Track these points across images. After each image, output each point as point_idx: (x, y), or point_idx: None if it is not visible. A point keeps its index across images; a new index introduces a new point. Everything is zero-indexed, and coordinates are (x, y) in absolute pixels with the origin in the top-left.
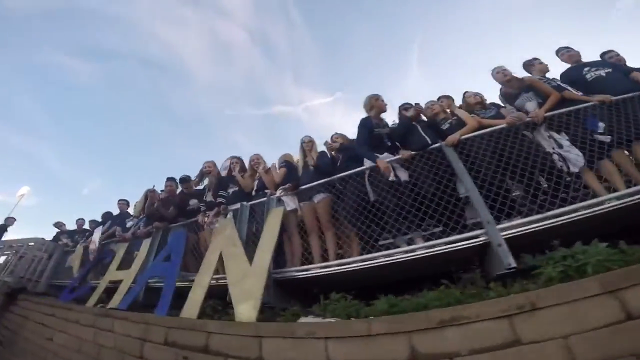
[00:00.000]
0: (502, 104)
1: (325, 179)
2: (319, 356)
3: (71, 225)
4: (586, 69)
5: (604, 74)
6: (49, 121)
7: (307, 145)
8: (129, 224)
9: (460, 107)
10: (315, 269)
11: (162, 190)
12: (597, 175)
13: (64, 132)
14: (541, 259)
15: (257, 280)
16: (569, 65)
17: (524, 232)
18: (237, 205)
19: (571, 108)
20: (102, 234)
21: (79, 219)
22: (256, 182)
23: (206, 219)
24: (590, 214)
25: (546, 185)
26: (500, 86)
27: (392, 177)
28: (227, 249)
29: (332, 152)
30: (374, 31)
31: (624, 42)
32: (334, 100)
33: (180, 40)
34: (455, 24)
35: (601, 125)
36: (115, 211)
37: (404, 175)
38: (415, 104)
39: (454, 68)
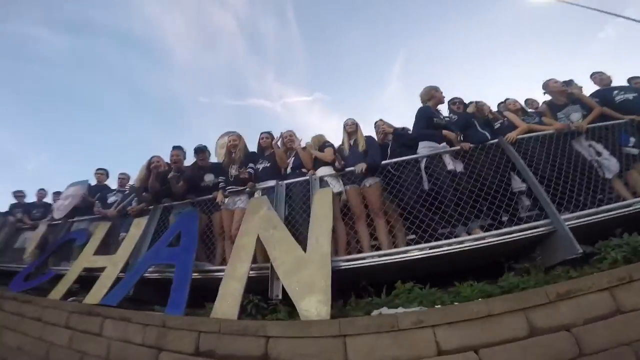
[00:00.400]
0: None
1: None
2: (428, 347)
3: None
4: (615, 92)
5: (631, 97)
6: None
7: (351, 127)
8: (111, 199)
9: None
10: (371, 258)
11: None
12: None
13: (16, 103)
14: (598, 247)
15: (318, 269)
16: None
17: (581, 223)
18: (270, 183)
19: (608, 122)
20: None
21: (40, 190)
22: (292, 160)
23: (226, 200)
24: (624, 213)
25: (585, 186)
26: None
27: (450, 167)
28: (266, 232)
29: (380, 137)
30: (361, 41)
31: (603, 68)
32: (313, 100)
33: (165, 17)
34: (440, 46)
35: (632, 140)
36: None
37: (459, 167)
38: (477, 101)
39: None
